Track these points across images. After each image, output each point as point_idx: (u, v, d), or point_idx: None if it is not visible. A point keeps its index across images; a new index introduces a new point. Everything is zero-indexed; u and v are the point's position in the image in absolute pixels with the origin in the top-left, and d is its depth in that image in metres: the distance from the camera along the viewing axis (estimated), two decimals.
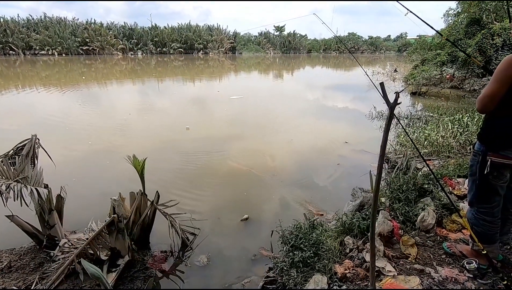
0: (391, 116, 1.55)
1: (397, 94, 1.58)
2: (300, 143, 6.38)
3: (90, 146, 5.93)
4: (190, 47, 51.84)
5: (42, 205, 2.50)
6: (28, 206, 2.30)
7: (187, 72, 25.08)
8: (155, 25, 52.56)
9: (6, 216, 2.46)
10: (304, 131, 7.39)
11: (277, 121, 8.38)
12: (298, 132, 7.29)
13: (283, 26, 63.31)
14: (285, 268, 2.19)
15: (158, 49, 50.51)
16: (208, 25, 55.74)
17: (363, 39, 71.23)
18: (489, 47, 12.58)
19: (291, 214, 3.52)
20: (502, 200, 1.80)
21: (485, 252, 1.53)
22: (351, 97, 12.38)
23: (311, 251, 2.19)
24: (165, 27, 53.13)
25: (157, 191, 2.88)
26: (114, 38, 47.33)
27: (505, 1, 15.65)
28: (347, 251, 2.24)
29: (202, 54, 51.51)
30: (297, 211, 3.59)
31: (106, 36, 45.66)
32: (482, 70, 12.17)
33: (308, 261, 2.13)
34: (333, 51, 67.06)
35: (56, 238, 2.63)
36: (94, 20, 47.60)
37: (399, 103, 1.56)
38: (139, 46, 49.66)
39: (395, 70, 21.15)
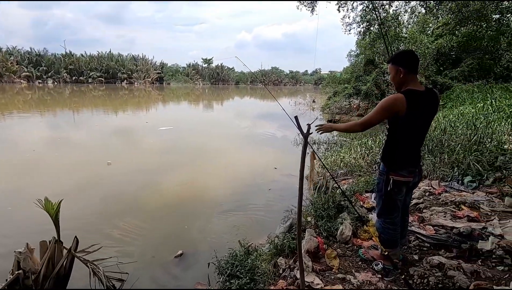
0: (305, 144, 1.82)
1: (309, 125, 1.87)
2: (233, 171, 6.52)
3: None
4: (112, 76, 48.69)
5: None
6: None
7: (109, 102, 23.33)
8: (70, 52, 48.14)
9: None
10: (236, 159, 7.59)
11: (208, 151, 8.41)
12: (230, 160, 7.44)
13: (211, 59, 65.52)
14: None
15: (74, 77, 45.94)
16: (133, 55, 53.77)
17: (285, 73, 78.52)
18: (382, 83, 15.37)
19: (227, 242, 3.53)
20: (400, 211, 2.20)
21: (386, 253, 1.84)
22: (278, 125, 13.31)
23: (247, 277, 2.24)
24: (82, 55, 49.11)
25: (75, 237, 2.57)
26: (17, 65, 41.38)
27: (389, 46, 19.54)
28: (281, 271, 2.36)
29: (126, 84, 48.76)
30: (233, 238, 3.61)
31: (6, 62, 39.64)
32: (379, 101, 14.77)
33: (245, 288, 2.17)
34: (259, 83, 71.92)
35: None
36: None
37: (311, 133, 1.84)
38: (49, 74, 44.36)
39: (314, 101, 23.80)
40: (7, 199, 4.62)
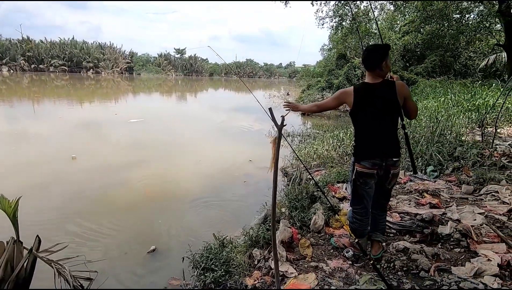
0: (279, 136, 1.82)
1: (283, 117, 1.87)
2: (207, 164, 6.43)
3: None
4: (76, 65, 45.60)
5: None
6: None
7: (73, 92, 21.92)
8: (27, 37, 44.24)
9: None
10: (211, 152, 7.50)
11: (181, 144, 8.22)
12: (204, 153, 7.34)
13: (184, 49, 63.62)
14: None
15: (33, 65, 42.44)
16: (99, 43, 50.66)
17: (260, 65, 78.37)
18: (353, 77, 15.86)
19: (202, 236, 3.49)
20: (371, 204, 2.23)
21: (356, 240, 1.93)
22: (252, 118, 13.31)
23: (222, 270, 2.23)
24: (41, 41, 45.39)
25: (37, 236, 2.40)
26: None
27: (360, 41, 20.22)
28: (256, 262, 2.39)
29: (92, 73, 45.92)
30: (208, 232, 3.58)
31: None
32: None
33: (220, 280, 2.17)
34: (234, 75, 71.32)
35: None
36: None
37: (285, 125, 1.84)
38: (4, 60, 40.63)
39: (288, 94, 24.04)
40: None
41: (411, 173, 4.09)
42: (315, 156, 6.15)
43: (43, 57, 43.35)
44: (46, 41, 45.77)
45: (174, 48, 63.93)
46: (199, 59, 65.07)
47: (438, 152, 4.28)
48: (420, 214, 2.77)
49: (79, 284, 2.62)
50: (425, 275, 2.06)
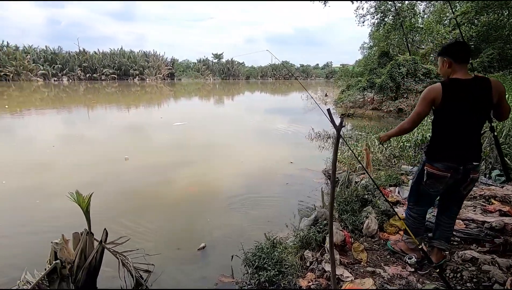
0: (338, 137, 1.79)
1: (342, 118, 1.84)
2: (249, 165, 6.53)
3: (4, 185, 5.09)
4: (124, 73, 49.44)
5: None
6: None
7: (122, 99, 23.71)
8: (83, 49, 49.05)
9: None
10: (252, 154, 7.60)
11: (224, 146, 8.45)
12: (246, 154, 7.46)
13: (221, 54, 65.62)
14: None
15: (88, 75, 46.94)
16: (144, 51, 54.39)
17: (296, 67, 77.85)
18: (397, 75, 14.99)
19: (248, 236, 3.55)
20: (438, 209, 2.12)
21: (420, 246, 1.81)
22: (290, 119, 13.23)
23: (275, 270, 2.25)
24: (95, 52, 49.99)
25: (105, 229, 2.64)
26: (33, 63, 42.49)
27: (404, 37, 19.09)
28: (308, 264, 2.37)
29: (138, 80, 49.49)
30: (255, 231, 3.63)
31: (23, 60, 40.73)
32: (394, 94, 14.36)
33: (274, 279, 2.18)
34: (270, 77, 71.64)
35: None
36: (7, 42, 42.25)
37: (344, 126, 1.81)
38: (64, 71, 45.44)
39: (326, 95, 23.50)
40: (36, 193, 4.79)
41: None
42: (360, 158, 5.92)
43: (96, 67, 47.71)
44: (99, 52, 50.28)
45: (212, 53, 66.29)
46: (236, 63, 66.57)
47: (505, 154, 3.87)
48: (489, 222, 2.52)
49: (139, 275, 2.82)
50: (499, 288, 1.87)
